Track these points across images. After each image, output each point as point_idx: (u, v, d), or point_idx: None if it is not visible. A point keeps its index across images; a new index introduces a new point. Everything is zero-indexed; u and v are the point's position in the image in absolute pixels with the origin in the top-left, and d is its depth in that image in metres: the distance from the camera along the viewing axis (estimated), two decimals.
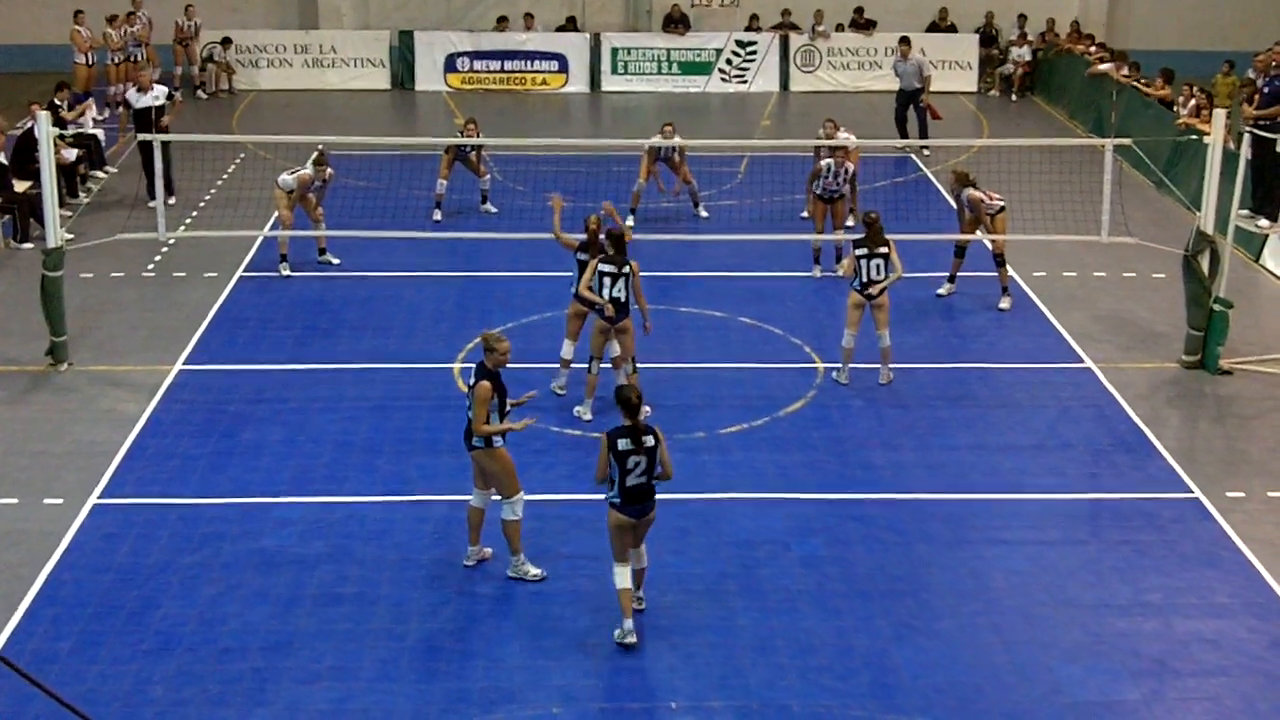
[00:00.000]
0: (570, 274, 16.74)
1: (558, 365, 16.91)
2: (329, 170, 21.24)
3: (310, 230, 21.34)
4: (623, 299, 16.03)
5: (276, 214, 21.43)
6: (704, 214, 23.28)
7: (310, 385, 17.37)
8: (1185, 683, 11.85)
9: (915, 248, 20.29)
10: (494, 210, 23.51)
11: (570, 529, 14.02)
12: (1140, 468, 15.60)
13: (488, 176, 23.74)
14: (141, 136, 21.04)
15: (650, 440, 11.94)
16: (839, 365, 17.43)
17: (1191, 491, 15.04)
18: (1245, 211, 19.98)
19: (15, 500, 14.57)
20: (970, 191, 19.96)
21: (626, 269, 15.97)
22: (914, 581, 13.25)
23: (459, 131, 23.25)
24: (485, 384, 12.65)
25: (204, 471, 15.14)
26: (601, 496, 12.24)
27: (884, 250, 16.97)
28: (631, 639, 12.10)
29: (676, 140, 22.92)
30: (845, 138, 22.61)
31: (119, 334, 18.87)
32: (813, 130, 24.79)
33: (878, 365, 17.41)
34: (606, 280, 15.94)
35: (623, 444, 11.90)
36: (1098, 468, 15.68)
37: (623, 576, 12.13)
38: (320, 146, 22.04)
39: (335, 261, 21.42)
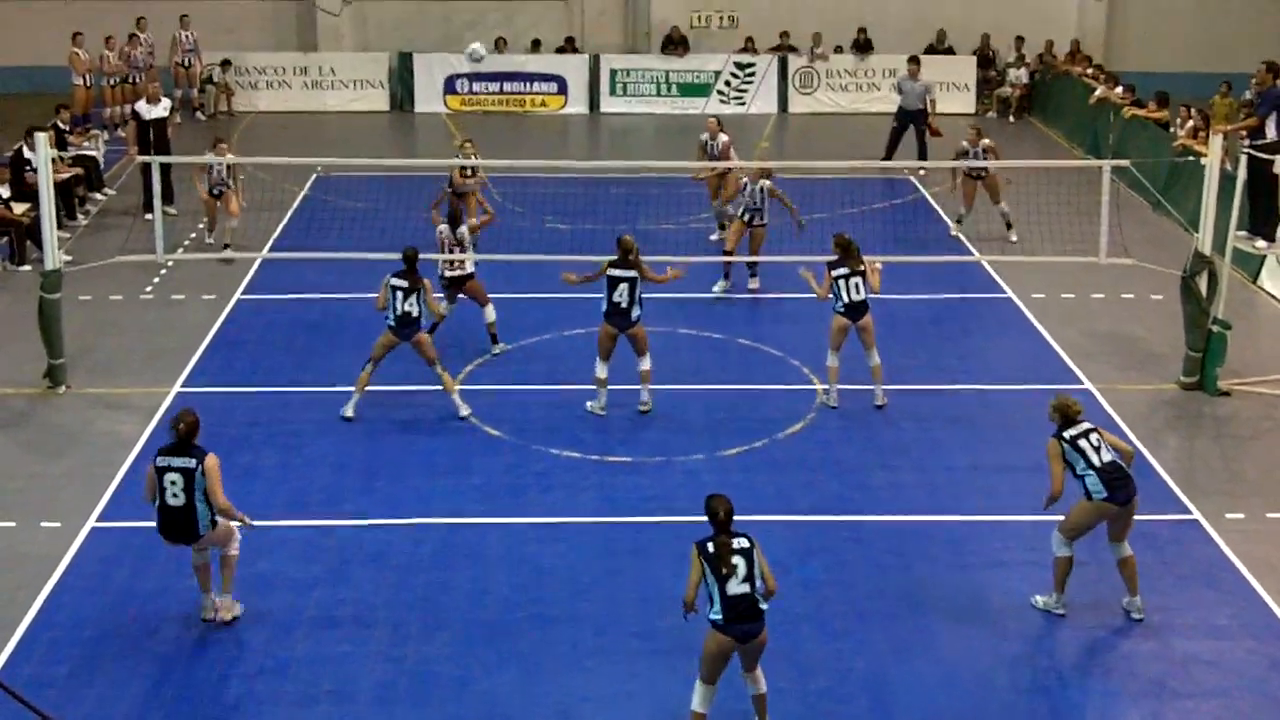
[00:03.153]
0: (599, 295, 16.77)
1: (587, 386, 17.07)
2: (227, 153, 22.76)
3: (307, 252, 21.35)
4: (624, 305, 16.50)
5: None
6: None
7: (307, 407, 17.36)
8: (1184, 704, 11.83)
9: (914, 270, 20.33)
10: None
11: (569, 552, 14.01)
12: (1139, 489, 15.55)
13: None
14: (142, 159, 21.13)
15: (745, 542, 10.74)
16: (826, 387, 17.40)
17: (1190, 513, 15.03)
18: (1243, 233, 19.98)
19: (13, 523, 14.55)
20: (770, 184, 20.73)
21: (634, 274, 16.52)
22: (913, 603, 13.23)
23: (457, 153, 22.84)
24: None
25: None
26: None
27: (862, 268, 16.96)
28: None
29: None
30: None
31: (117, 356, 18.86)
32: (812, 151, 24.78)
33: (872, 387, 17.39)
34: (622, 286, 16.58)
35: (714, 547, 10.72)
36: None
37: (703, 698, 10.96)
38: (218, 135, 24.08)
39: (231, 259, 22.05)
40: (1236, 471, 16.16)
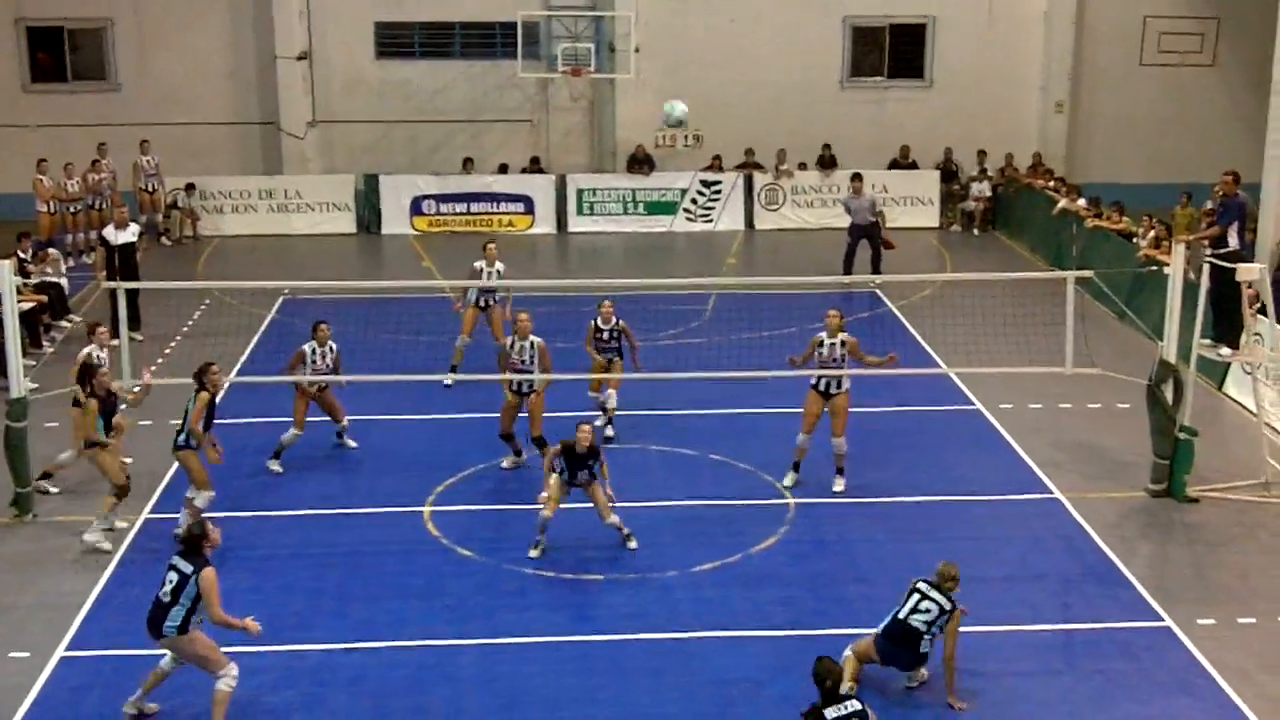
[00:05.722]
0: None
1: (533, 507, 16.93)
2: (105, 340, 19.32)
3: (275, 376, 21.30)
4: None
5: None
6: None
7: (278, 532, 17.27)
8: None
9: (882, 382, 20.40)
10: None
11: (544, 671, 13.91)
12: (1111, 597, 15.60)
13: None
14: (108, 284, 21.03)
15: (856, 704, 11.44)
16: None
17: (1163, 620, 15.04)
18: (1207, 340, 20.15)
19: None
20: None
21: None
22: (889, 717, 13.15)
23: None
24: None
25: None
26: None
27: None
28: None
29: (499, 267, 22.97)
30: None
31: (84, 483, 18.70)
32: (778, 266, 24.65)
33: (826, 499, 17.42)
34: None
35: (831, 714, 11.41)
36: (1069, 598, 15.68)
37: None
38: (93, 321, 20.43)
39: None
40: (1207, 577, 16.19)
